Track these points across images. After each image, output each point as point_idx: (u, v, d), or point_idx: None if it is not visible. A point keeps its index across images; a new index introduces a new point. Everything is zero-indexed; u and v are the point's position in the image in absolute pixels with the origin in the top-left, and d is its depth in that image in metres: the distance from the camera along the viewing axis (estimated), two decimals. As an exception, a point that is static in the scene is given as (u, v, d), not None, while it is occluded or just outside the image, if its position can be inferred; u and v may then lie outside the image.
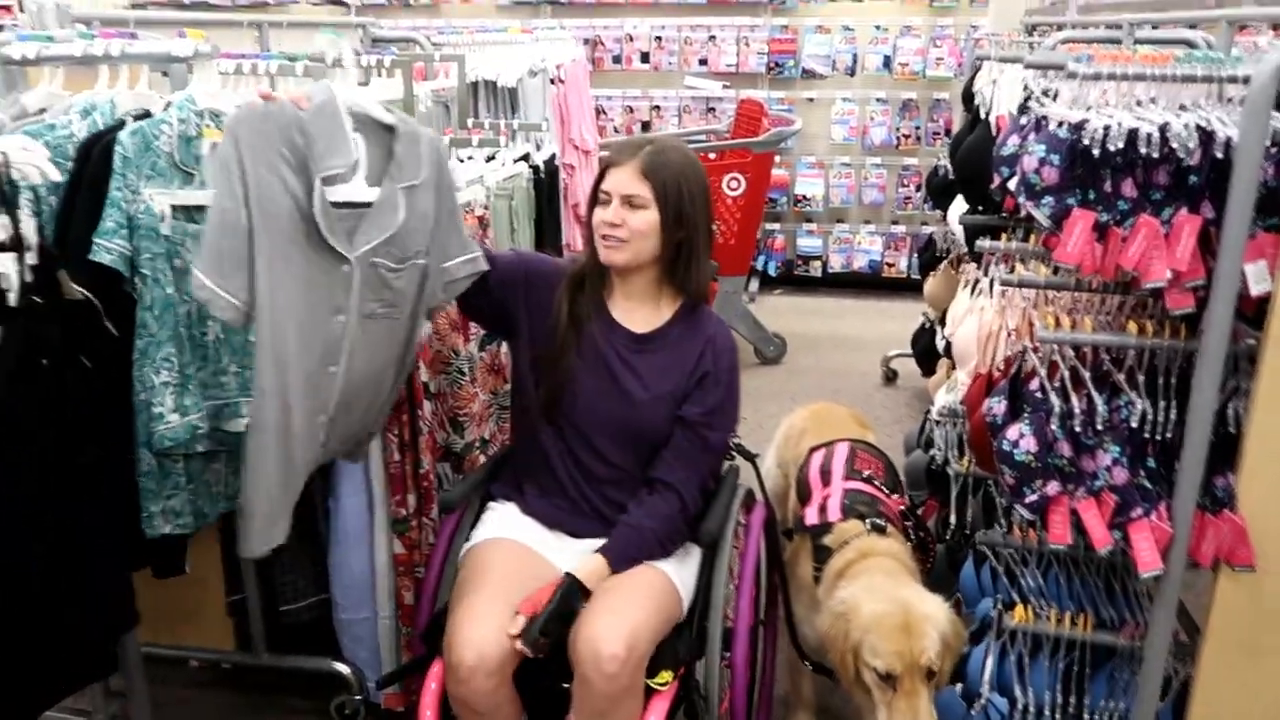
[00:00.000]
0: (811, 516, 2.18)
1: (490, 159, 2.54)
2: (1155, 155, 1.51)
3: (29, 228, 1.38)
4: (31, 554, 1.39)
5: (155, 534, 1.67)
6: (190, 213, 1.66)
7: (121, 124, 1.63)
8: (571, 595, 1.65)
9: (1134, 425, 1.64)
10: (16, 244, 1.35)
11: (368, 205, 1.59)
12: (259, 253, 1.48)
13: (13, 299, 1.34)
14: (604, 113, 6.20)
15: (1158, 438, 1.65)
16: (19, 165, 1.37)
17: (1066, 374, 1.68)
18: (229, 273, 1.48)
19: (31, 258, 1.37)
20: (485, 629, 1.62)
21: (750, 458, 2.11)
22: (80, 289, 1.50)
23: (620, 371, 1.81)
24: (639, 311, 1.86)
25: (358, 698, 2.21)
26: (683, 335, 1.84)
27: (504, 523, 1.87)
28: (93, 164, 1.58)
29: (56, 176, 1.48)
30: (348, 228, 1.56)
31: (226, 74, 1.93)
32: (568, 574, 1.69)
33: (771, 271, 6.18)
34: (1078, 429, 1.65)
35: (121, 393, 1.60)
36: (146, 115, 1.67)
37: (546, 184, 2.81)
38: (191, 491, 1.71)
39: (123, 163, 1.56)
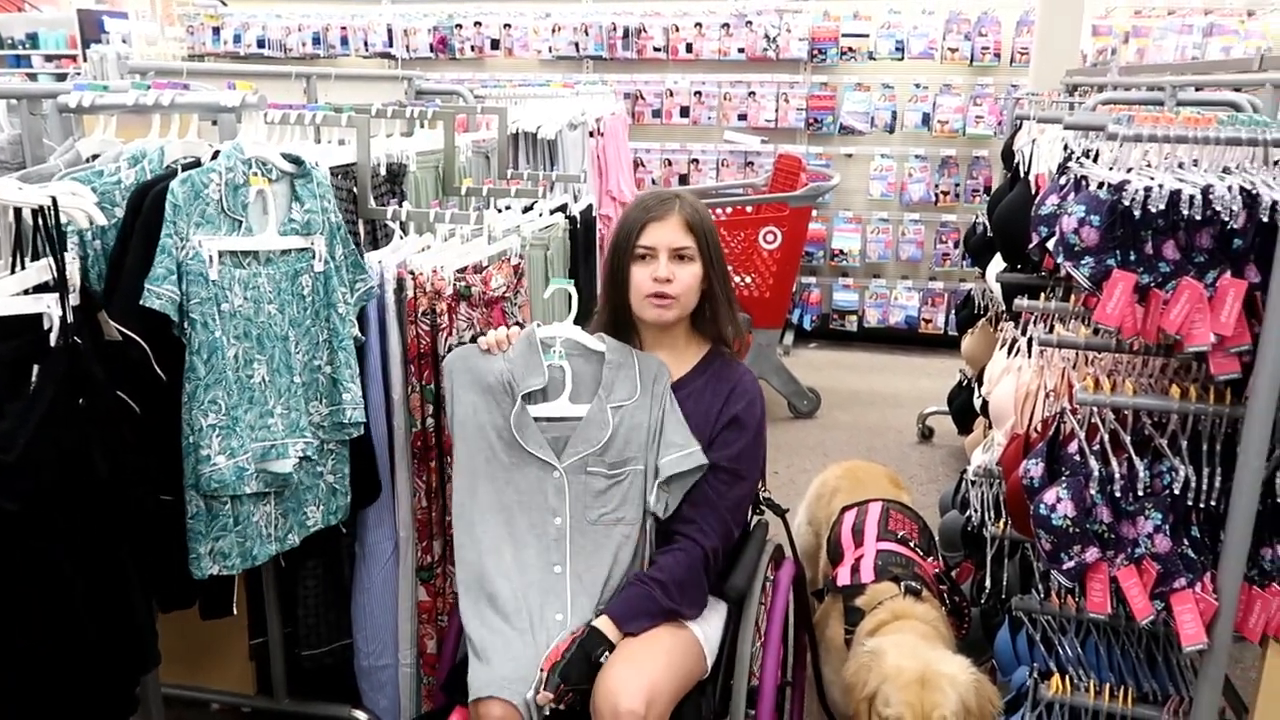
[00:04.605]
0: (844, 577, 2.13)
1: (528, 209, 2.57)
2: (1198, 217, 1.49)
3: (73, 269, 1.41)
4: (67, 594, 1.40)
5: (202, 575, 1.68)
6: (237, 258, 1.69)
7: (172, 172, 1.67)
8: (591, 644, 1.63)
9: (1176, 492, 1.59)
10: (60, 285, 1.38)
11: (578, 420, 1.76)
12: (457, 456, 1.78)
13: (54, 338, 1.37)
14: (642, 165, 6.27)
15: (1202, 506, 1.60)
16: (67, 209, 1.40)
17: (1106, 437, 1.64)
18: None
19: (74, 298, 1.40)
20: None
21: (781, 513, 2.08)
22: (121, 329, 1.53)
23: None
24: (665, 361, 1.85)
25: (377, 747, 2.19)
26: (708, 384, 1.83)
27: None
28: (145, 211, 1.61)
29: (102, 221, 1.52)
30: (553, 439, 1.76)
31: (273, 124, 1.98)
32: (589, 624, 1.67)
33: (807, 325, 6.16)
34: (1117, 494, 1.61)
35: (170, 436, 1.62)
36: (196, 164, 1.71)
37: (583, 234, 2.83)
38: (239, 533, 1.72)
39: (174, 210, 1.60)
